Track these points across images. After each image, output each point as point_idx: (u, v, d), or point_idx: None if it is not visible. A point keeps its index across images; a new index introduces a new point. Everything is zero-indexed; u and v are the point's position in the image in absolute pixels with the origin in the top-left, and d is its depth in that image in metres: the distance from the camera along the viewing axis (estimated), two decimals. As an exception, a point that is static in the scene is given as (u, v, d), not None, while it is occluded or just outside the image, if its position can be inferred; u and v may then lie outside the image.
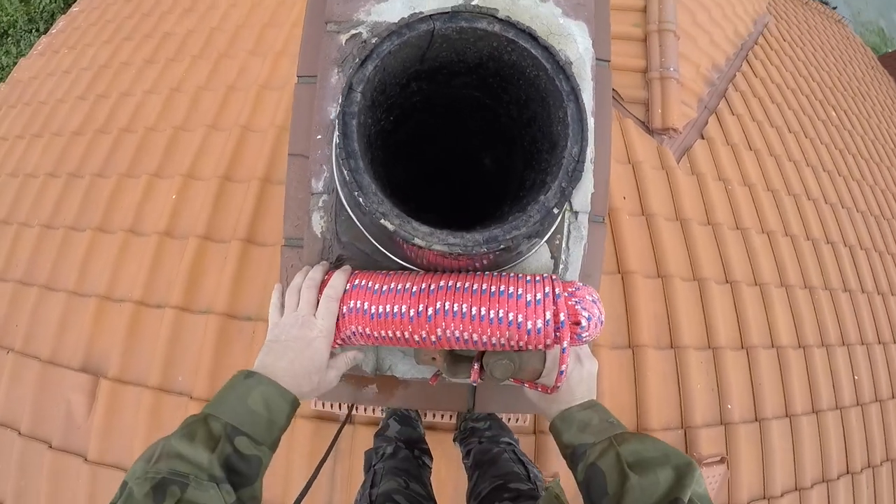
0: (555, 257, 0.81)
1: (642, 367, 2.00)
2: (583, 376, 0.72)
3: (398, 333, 0.64)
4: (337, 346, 0.71)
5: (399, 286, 0.66)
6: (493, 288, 0.63)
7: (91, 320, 2.02)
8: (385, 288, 0.66)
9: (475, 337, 0.62)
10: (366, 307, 0.66)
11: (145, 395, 1.86)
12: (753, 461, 2.07)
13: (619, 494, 0.58)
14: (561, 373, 0.62)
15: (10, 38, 6.74)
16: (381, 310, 0.65)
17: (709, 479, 1.94)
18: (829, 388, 2.44)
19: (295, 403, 0.63)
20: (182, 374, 1.93)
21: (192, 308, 2.01)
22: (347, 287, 0.69)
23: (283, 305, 0.72)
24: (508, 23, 0.69)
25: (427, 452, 1.50)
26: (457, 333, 0.61)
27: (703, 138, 2.81)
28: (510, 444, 1.41)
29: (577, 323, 0.62)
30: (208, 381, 1.88)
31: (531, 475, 1.19)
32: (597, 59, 0.89)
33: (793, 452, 2.19)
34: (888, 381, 2.77)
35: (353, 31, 0.83)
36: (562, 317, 0.60)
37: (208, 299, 2.02)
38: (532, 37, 0.69)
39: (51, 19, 6.65)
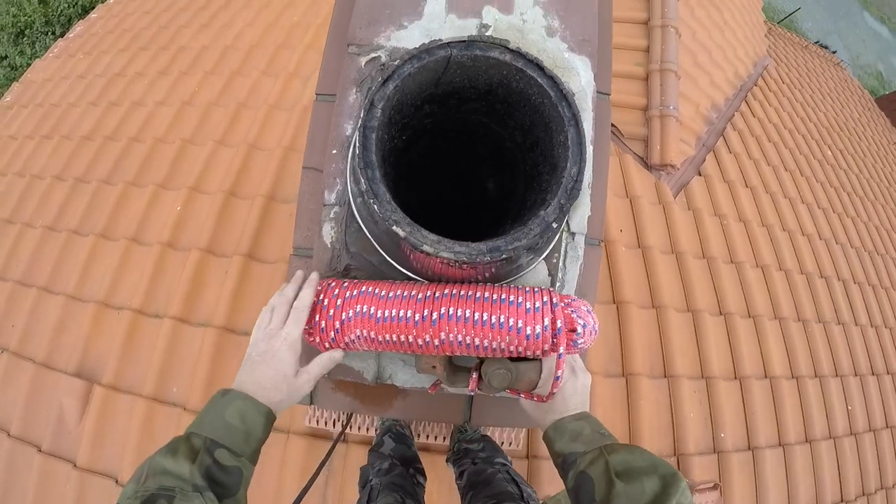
0: (552, 274, 0.86)
1: (636, 396, 2.02)
2: (577, 388, 0.76)
3: (402, 337, 0.69)
4: (339, 348, 0.75)
5: (405, 293, 0.71)
6: (495, 296, 0.68)
7: (89, 325, 2.05)
8: (392, 294, 0.71)
9: (477, 341, 0.66)
10: (372, 311, 0.70)
11: (139, 404, 1.88)
12: (747, 489, 2.08)
13: (605, 501, 0.61)
14: (557, 378, 0.66)
15: (26, 39, 6.84)
16: (387, 314, 0.69)
17: (701, 507, 1.95)
18: (823, 417, 2.48)
19: (270, 415, 0.67)
20: (177, 385, 1.94)
21: (191, 320, 2.04)
22: (354, 293, 0.74)
23: None
24: (519, 53, 0.76)
25: (421, 472, 1.51)
26: (459, 338, 0.66)
27: (700, 175, 2.91)
28: (504, 464, 1.42)
29: (573, 330, 0.67)
30: (203, 394, 1.89)
31: (524, 494, 1.20)
32: (598, 92, 0.96)
33: (786, 481, 2.21)
34: (882, 411, 2.81)
35: (373, 55, 0.90)
36: (559, 324, 0.65)
37: (207, 312, 2.05)
38: (539, 67, 0.76)
39: (68, 23, 6.78)
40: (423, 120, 0.85)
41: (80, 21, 4.14)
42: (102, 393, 1.91)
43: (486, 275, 0.73)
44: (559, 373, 0.66)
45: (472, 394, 0.83)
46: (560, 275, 0.86)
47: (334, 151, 0.88)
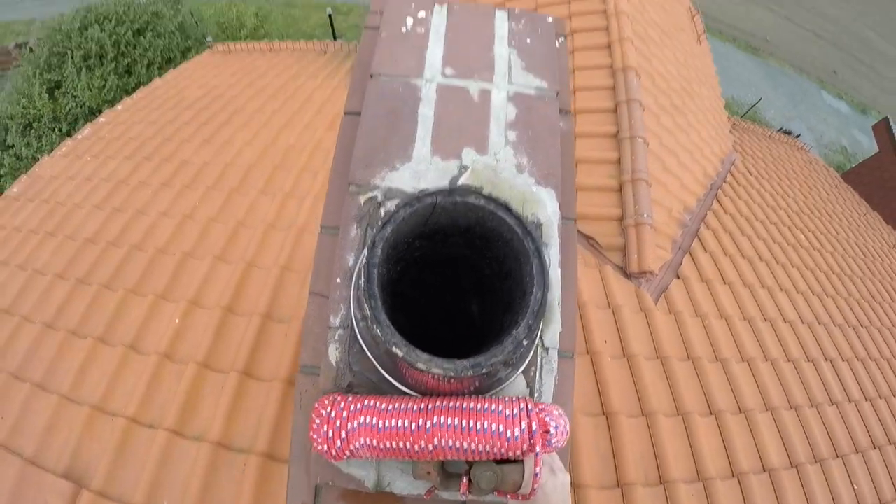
0: (530, 386, 0.99)
1: (632, 507, 2.03)
2: (556, 486, 0.87)
3: (401, 444, 0.81)
4: (345, 458, 0.87)
5: (403, 405, 0.85)
6: (480, 405, 0.82)
7: (81, 428, 2.07)
8: (391, 406, 0.85)
9: (465, 445, 0.79)
10: (374, 421, 0.83)
11: (128, 514, 1.87)
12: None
13: None
14: (536, 475, 0.78)
15: (33, 132, 7.26)
16: (387, 423, 0.82)
17: None
18: (829, 501, 2.46)
19: None
20: (168, 498, 1.94)
21: (185, 433, 2.08)
22: (358, 406, 0.87)
23: None
24: (490, 198, 0.96)
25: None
26: (451, 442, 0.79)
27: (678, 278, 3.05)
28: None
29: (547, 431, 0.81)
30: (194, 509, 1.90)
31: None
32: (563, 217, 1.15)
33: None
34: (890, 484, 2.78)
35: (371, 194, 1.09)
36: (534, 426, 0.79)
37: (202, 427, 2.09)
38: (507, 209, 0.95)
39: (74, 122, 7.28)
40: (414, 253, 1.03)
41: (89, 124, 4.48)
42: (90, 498, 1.90)
43: (472, 388, 0.87)
44: (538, 469, 0.78)
45: (465, 498, 0.93)
46: (537, 386, 1.00)
47: (338, 280, 1.05)
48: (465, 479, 0.88)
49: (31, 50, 8.89)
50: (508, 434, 0.79)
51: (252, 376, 2.23)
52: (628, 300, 2.72)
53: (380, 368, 0.93)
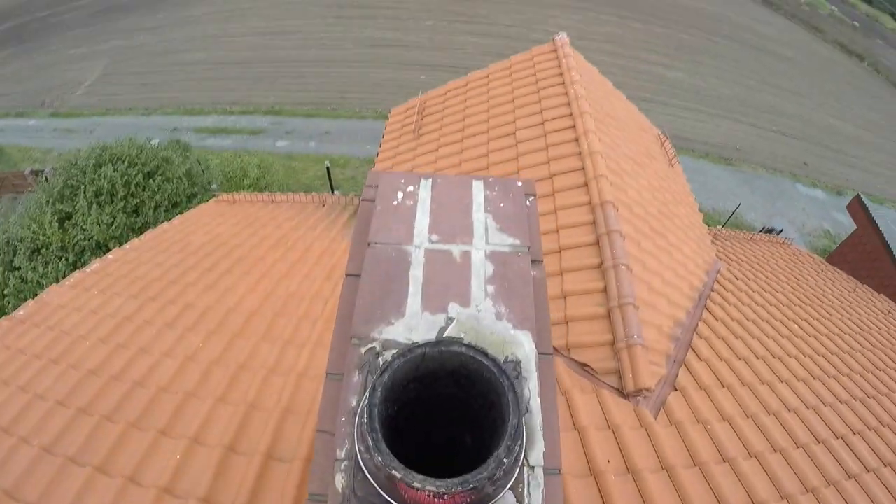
0: (519, 501, 1.14)
1: None
2: None
3: None
4: None
5: None
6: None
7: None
8: None
9: None
10: None
11: None
12: None
13: None
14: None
15: (40, 257, 7.59)
16: None
17: None
18: None
19: None
20: None
21: (185, 572, 2.10)
22: None
23: None
24: (470, 346, 1.18)
25: None
26: None
27: (675, 390, 3.12)
28: None
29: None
30: None
31: None
32: (539, 353, 1.36)
33: None
34: None
35: (370, 346, 1.31)
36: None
37: (204, 566, 2.12)
38: (485, 353, 1.17)
39: (81, 253, 7.67)
40: (409, 394, 1.23)
41: (98, 259, 4.78)
42: None
43: (466, 506, 1.02)
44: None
45: None
46: (526, 500, 1.14)
47: (343, 419, 1.23)
48: None
49: (46, 179, 9.63)
50: None
51: (255, 513, 2.27)
52: (627, 419, 2.80)
53: (381, 492, 1.08)
